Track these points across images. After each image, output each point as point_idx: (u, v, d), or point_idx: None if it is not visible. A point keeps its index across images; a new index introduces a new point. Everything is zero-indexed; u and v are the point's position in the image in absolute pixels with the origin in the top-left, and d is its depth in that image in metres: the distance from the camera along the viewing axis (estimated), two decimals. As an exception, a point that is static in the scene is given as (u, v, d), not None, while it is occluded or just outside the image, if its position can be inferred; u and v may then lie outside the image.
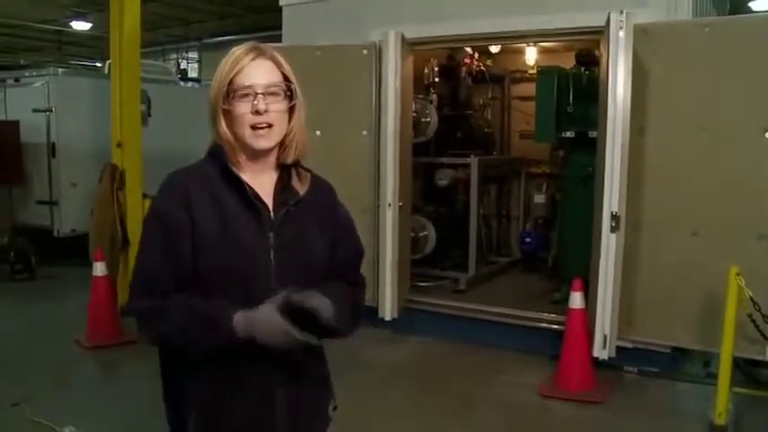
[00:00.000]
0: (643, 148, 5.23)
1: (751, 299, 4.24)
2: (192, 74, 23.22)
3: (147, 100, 10.49)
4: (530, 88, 8.60)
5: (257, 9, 17.57)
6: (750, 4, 11.93)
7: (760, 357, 4.98)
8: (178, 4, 18.50)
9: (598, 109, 5.77)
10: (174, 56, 23.73)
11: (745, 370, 5.37)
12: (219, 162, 1.91)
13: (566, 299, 6.42)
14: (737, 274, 4.22)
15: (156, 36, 21.54)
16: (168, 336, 1.83)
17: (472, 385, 5.50)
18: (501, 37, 6.47)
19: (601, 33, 5.44)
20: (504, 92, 9.39)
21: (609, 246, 5.04)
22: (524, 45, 8.32)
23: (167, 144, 10.81)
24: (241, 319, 1.74)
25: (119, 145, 7.33)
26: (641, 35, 5.01)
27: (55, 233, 9.76)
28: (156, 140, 10.01)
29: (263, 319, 1.72)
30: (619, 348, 5.32)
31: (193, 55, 24.36)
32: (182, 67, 22.76)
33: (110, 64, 7.67)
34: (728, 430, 4.41)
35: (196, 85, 19.81)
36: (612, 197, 4.99)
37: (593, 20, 5.43)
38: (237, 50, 1.88)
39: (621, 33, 4.86)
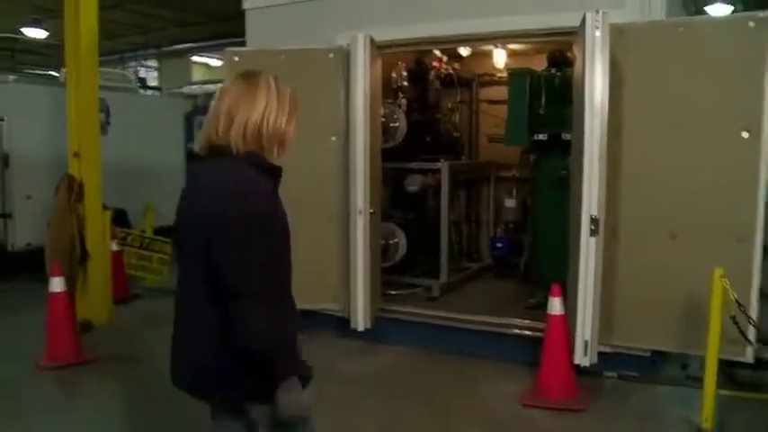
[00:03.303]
0: (619, 149, 5.15)
1: (736, 301, 4.16)
2: (152, 83, 22.82)
3: (105, 108, 10.24)
4: (498, 92, 8.57)
5: (218, 16, 17.32)
6: (707, 8, 12.01)
7: (741, 359, 4.92)
8: (137, 11, 18.16)
9: (571, 111, 5.69)
10: (133, 64, 23.28)
11: (725, 371, 5.30)
12: (272, 169, 2.40)
13: (541, 304, 6.33)
14: (722, 277, 4.12)
15: (114, 44, 21.15)
16: (281, 352, 2.25)
17: (450, 396, 5.34)
18: (473, 39, 6.35)
19: (574, 34, 5.35)
20: (472, 95, 9.28)
21: (589, 250, 4.92)
22: (493, 48, 8.22)
23: (128, 154, 10.59)
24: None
25: (76, 155, 7.03)
26: (616, 35, 4.92)
27: (9, 247, 9.38)
28: (116, 150, 9.81)
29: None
30: (598, 354, 5.20)
31: (152, 63, 23.95)
32: (140, 75, 22.30)
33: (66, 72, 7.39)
34: (715, 434, 4.34)
35: (156, 94, 19.48)
36: (592, 201, 4.88)
37: (565, 20, 5.34)
38: (289, 88, 2.44)
39: (598, 33, 4.77)
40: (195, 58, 23.94)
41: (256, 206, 2.22)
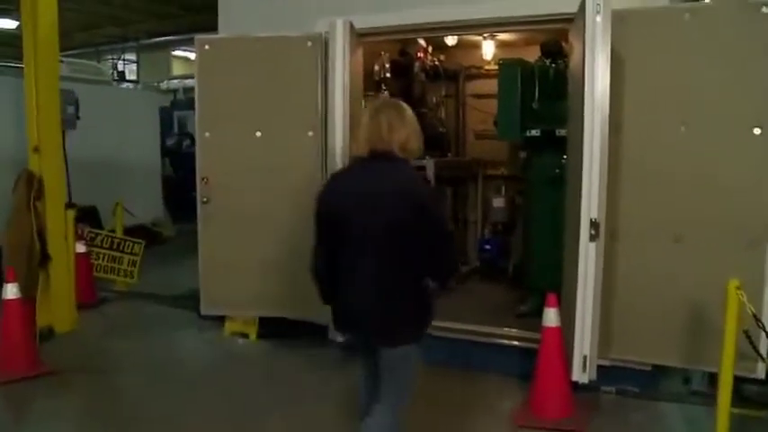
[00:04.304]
0: (619, 146, 4.74)
1: (754, 315, 3.77)
2: (131, 76, 22.26)
3: (75, 101, 9.75)
4: (486, 85, 8.19)
5: (196, 8, 16.80)
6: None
7: (751, 375, 4.54)
8: (115, 3, 17.58)
9: (567, 105, 5.30)
10: (111, 57, 22.68)
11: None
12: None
13: (532, 312, 5.95)
14: (738, 288, 3.72)
15: (91, 36, 20.56)
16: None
17: (437, 414, 4.89)
18: (461, 26, 5.88)
19: (570, 21, 4.95)
20: (458, 89, 8.86)
21: (588, 256, 4.50)
22: (481, 39, 7.81)
23: (99, 148, 10.11)
24: None
25: (36, 149, 6.54)
26: (617, 22, 4.49)
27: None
28: (87, 144, 9.36)
29: None
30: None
31: (131, 56, 23.36)
32: (119, 69, 21.75)
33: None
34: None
35: (131, 87, 18.92)
36: (591, 202, 4.45)
37: (561, 6, 4.97)
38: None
39: (599, 18, 4.34)
40: (176, 53, 23.42)
41: (433, 190, 3.58)
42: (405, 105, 3.32)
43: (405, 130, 3.21)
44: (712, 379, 5.10)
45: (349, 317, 3.33)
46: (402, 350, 3.27)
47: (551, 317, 4.64)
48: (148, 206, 11.56)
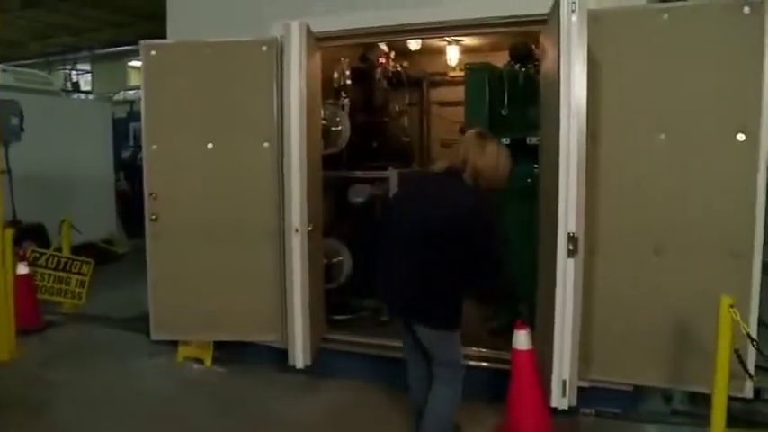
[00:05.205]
0: (596, 155, 4.46)
1: (748, 335, 3.49)
2: (86, 87, 21.67)
3: (19, 112, 9.30)
4: (451, 93, 7.94)
5: (153, 17, 16.31)
6: None
7: (739, 395, 4.28)
8: (66, 11, 17.00)
9: (538, 111, 5.01)
10: (63, 67, 22.03)
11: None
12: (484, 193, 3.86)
13: (505, 327, 5.63)
14: (731, 306, 3.44)
15: (45, 46, 19.93)
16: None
17: (406, 444, 4.57)
18: (425, 29, 5.49)
19: (542, 23, 4.66)
20: (422, 97, 8.57)
21: (566, 273, 4.17)
22: (445, 44, 7.52)
23: (46, 162, 9.65)
24: None
25: (-31, 164, 6.08)
26: (592, 23, 4.19)
27: None
28: (33, 158, 9.00)
29: None
30: (573, 389, 4.51)
31: (85, 67, 22.73)
32: (73, 79, 21.13)
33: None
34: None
35: (83, 97, 18.32)
36: (569, 215, 4.14)
37: (531, 6, 4.69)
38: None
39: (574, 18, 4.04)
40: (133, 63, 22.85)
41: (489, 210, 3.70)
42: (491, 141, 3.87)
43: (481, 162, 3.76)
44: (693, 397, 4.89)
45: (390, 297, 4.02)
46: (433, 332, 3.85)
47: (522, 340, 4.33)
48: (101, 222, 11.11)
